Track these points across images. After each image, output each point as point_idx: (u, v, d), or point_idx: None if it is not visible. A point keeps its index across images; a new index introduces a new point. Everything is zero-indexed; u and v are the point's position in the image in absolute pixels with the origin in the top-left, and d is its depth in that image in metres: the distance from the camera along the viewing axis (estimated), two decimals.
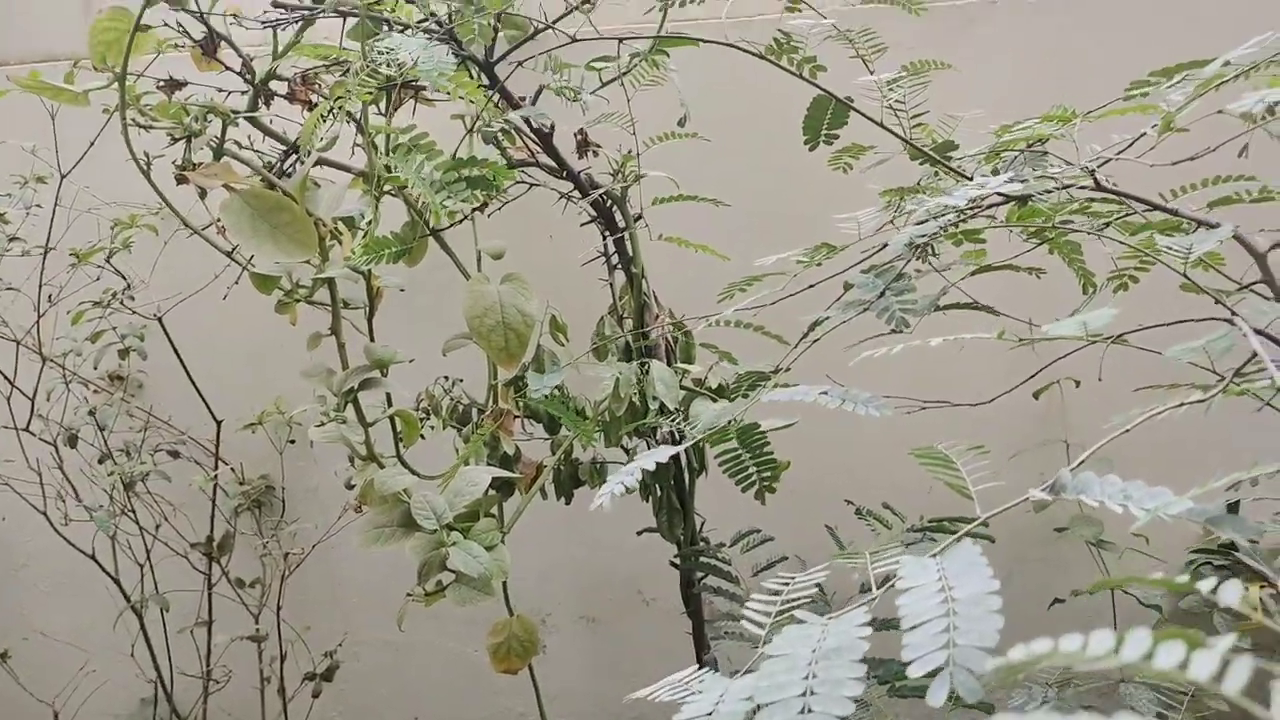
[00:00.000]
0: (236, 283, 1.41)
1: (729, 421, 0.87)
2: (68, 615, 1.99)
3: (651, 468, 0.75)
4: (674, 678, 0.56)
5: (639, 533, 1.67)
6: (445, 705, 2.00)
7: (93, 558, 1.82)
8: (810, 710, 0.39)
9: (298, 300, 1.33)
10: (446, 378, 1.71)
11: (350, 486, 1.67)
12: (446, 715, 1.99)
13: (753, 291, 1.02)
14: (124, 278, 1.72)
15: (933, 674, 0.38)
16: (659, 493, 1.60)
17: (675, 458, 1.58)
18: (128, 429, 1.88)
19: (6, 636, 1.94)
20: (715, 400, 1.36)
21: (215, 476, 1.81)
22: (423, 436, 1.59)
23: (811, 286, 1.02)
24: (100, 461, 1.80)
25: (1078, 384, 1.69)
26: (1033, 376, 1.15)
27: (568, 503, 1.66)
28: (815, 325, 0.91)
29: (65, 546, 1.84)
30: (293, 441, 1.91)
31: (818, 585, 0.57)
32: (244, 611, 1.88)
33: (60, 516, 1.78)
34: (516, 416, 1.65)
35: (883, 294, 0.88)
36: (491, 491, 1.49)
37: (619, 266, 1.63)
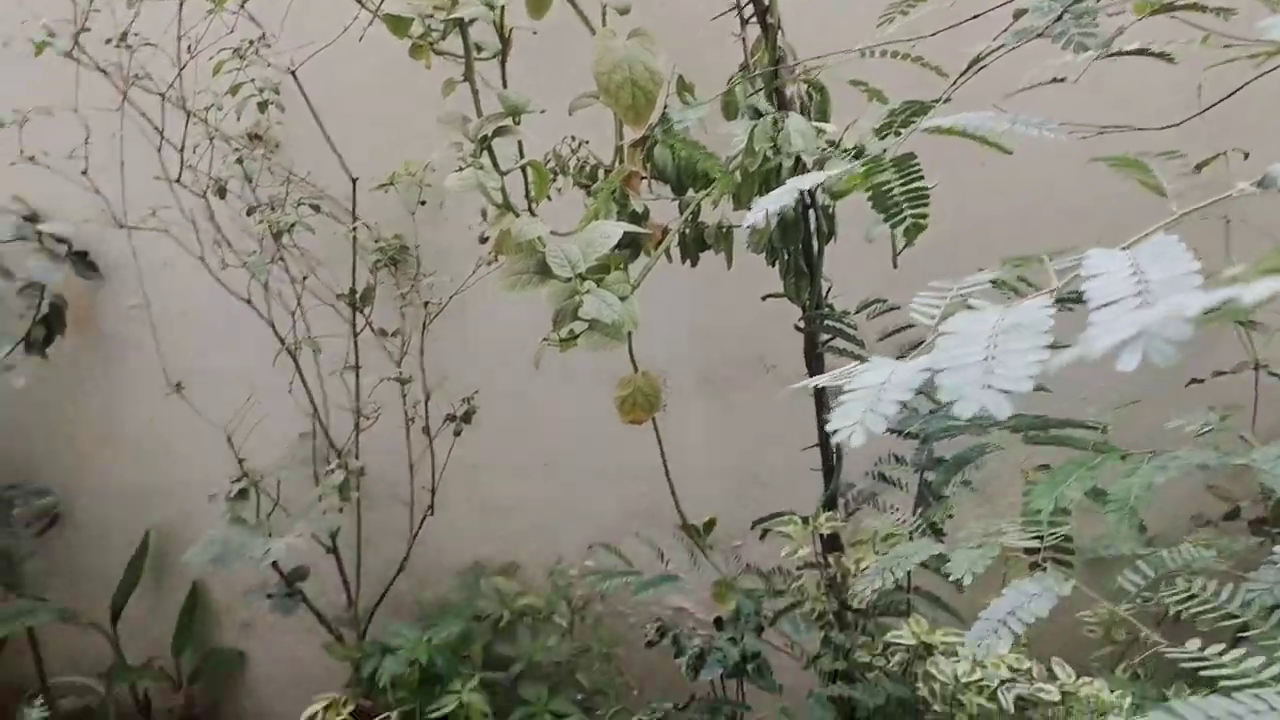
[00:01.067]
0: (370, 25, 1.40)
1: (882, 152, 0.84)
2: (231, 356, 2.17)
3: (798, 192, 0.73)
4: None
5: (764, 298, 1.67)
6: (572, 453, 2.13)
7: (248, 302, 1.96)
8: (992, 374, 0.39)
9: (430, 44, 1.31)
10: (573, 138, 1.70)
11: (483, 240, 1.72)
12: (574, 460, 2.13)
13: (914, 13, 0.95)
14: (259, 25, 1.73)
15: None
16: (786, 256, 1.59)
17: (805, 220, 1.56)
18: (270, 185, 1.95)
19: (178, 373, 2.13)
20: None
21: (354, 231, 1.89)
22: (548, 198, 1.61)
23: (976, 17, 0.94)
24: (248, 214, 1.89)
25: None
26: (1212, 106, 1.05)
27: (693, 265, 1.67)
28: (982, 56, 0.85)
29: (224, 294, 1.98)
30: (423, 203, 1.96)
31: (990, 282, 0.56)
32: (387, 359, 2.01)
33: (218, 263, 1.91)
34: (643, 177, 1.64)
35: (1060, 17, 0.81)
36: (619, 251, 1.51)
37: (753, 19, 1.54)
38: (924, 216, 0.85)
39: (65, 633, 2.64)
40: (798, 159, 1.37)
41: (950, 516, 1.34)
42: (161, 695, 2.60)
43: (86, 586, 2.60)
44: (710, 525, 1.90)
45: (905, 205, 0.82)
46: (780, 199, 0.75)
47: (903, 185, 0.81)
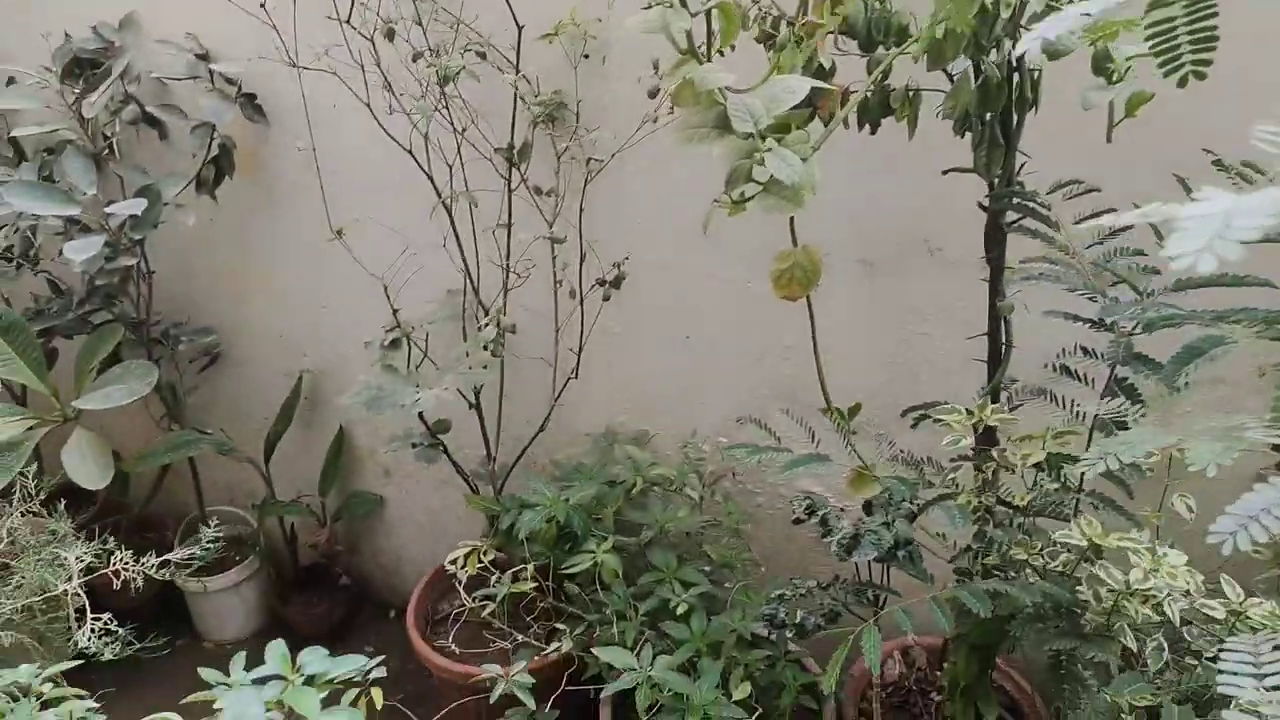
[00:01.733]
0: None
1: None
2: (388, 207, 2.20)
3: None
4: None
5: (945, 171, 1.56)
6: (715, 328, 2.09)
7: (409, 152, 1.96)
8: None
9: None
10: None
11: (653, 95, 1.65)
12: (717, 336, 2.10)
13: None
14: None
15: None
16: (980, 126, 1.47)
17: (1008, 85, 1.43)
18: (436, 31, 1.92)
19: (338, 220, 2.17)
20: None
21: (516, 83, 1.84)
22: (720, 53, 1.51)
23: None
24: (414, 59, 1.87)
25: None
26: None
27: (872, 132, 1.57)
28: None
29: (385, 144, 1.98)
30: (586, 56, 1.89)
31: None
32: (539, 218, 1.99)
33: (382, 109, 1.90)
34: (829, 32, 1.52)
35: None
36: (800, 110, 1.42)
37: None
38: (1206, 64, 0.74)
39: (221, 465, 2.83)
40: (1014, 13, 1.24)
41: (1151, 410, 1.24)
42: (306, 530, 2.76)
43: (242, 424, 2.76)
44: (855, 410, 1.83)
45: (1187, 49, 0.71)
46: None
47: (1189, 24, 0.70)
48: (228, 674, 1.17)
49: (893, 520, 1.34)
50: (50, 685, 1.09)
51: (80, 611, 1.38)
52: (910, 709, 2.05)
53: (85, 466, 2.21)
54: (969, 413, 1.40)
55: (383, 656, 1.36)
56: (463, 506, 2.62)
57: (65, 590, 1.34)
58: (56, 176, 2.30)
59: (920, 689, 2.09)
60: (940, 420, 1.48)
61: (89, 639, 1.35)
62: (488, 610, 1.84)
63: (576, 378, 2.08)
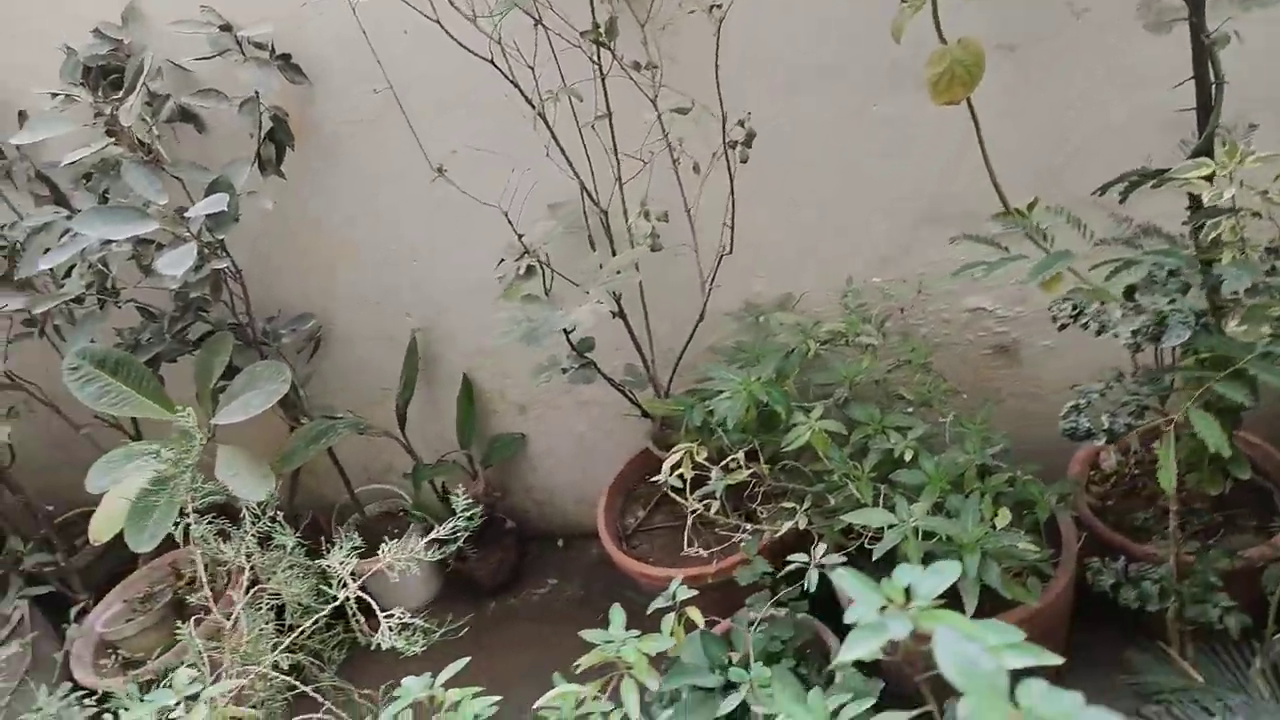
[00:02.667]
0: None
1: None
2: (481, 129, 2.04)
3: None
4: None
5: None
6: (839, 170, 1.96)
7: (490, 61, 1.79)
8: None
9: None
10: None
11: None
12: (844, 177, 1.96)
13: None
14: None
15: None
16: None
17: None
18: None
19: (438, 158, 2.01)
20: None
21: None
22: None
23: None
24: None
25: None
26: None
27: None
28: None
29: (454, 63, 1.81)
30: None
31: None
32: (640, 97, 1.84)
33: (447, 21, 1.73)
34: None
35: None
36: None
37: None
38: None
39: (348, 447, 2.75)
40: None
41: None
42: (459, 486, 2.71)
43: (362, 400, 2.68)
44: (1033, 206, 1.70)
45: None
46: None
47: None
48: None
49: (1173, 295, 1.24)
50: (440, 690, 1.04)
51: (366, 612, 1.32)
52: (1141, 493, 2.00)
53: (244, 480, 2.13)
54: (1223, 159, 1.27)
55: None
56: (610, 423, 2.56)
57: (346, 597, 1.27)
58: (114, 195, 2.16)
59: (1144, 471, 2.03)
60: (1176, 180, 1.35)
61: (388, 636, 1.29)
62: (714, 509, 1.77)
63: (731, 252, 1.96)
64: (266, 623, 1.39)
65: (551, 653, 2.62)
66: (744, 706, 1.75)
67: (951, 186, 1.93)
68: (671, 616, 1.25)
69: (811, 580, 1.52)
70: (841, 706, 1.02)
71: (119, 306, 2.36)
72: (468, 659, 1.08)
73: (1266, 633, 1.63)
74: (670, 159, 1.91)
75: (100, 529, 2.14)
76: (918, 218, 2.01)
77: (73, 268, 2.23)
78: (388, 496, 2.83)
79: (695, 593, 1.31)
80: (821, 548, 1.55)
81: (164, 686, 1.28)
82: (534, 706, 1.10)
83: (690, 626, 1.30)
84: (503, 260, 2.02)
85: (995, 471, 1.75)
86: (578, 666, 1.18)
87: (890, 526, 1.58)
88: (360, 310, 2.54)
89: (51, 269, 2.15)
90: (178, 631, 1.44)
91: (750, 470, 1.80)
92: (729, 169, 1.88)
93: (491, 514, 2.71)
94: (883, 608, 0.72)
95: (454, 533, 1.41)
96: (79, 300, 2.25)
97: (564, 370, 2.11)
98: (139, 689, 1.86)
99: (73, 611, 2.57)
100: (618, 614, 1.19)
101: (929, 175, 1.93)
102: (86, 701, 1.77)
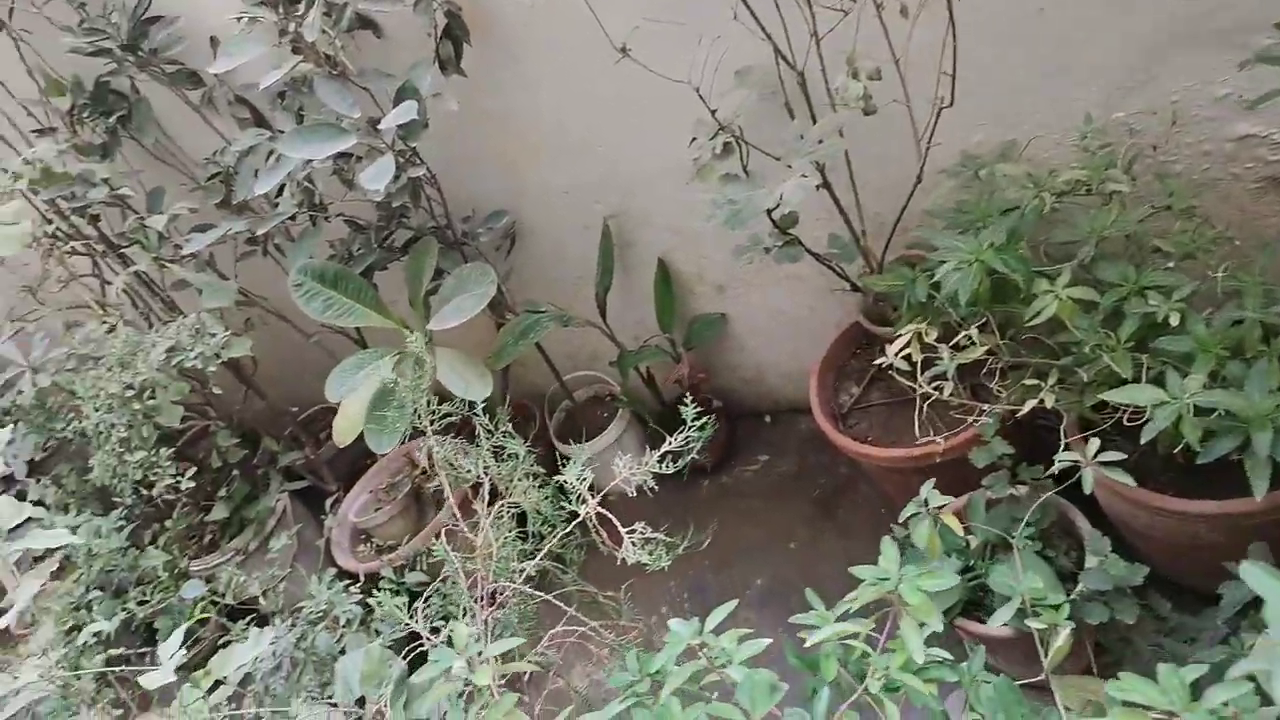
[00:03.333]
0: None
1: None
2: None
3: None
4: None
5: None
6: None
7: None
8: None
9: None
10: None
11: None
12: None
13: None
14: None
15: None
16: None
17: None
18: None
19: (618, 37, 1.89)
20: None
21: None
22: None
23: None
24: None
25: None
26: None
27: None
28: None
29: None
30: None
31: None
32: None
33: None
34: None
35: None
36: None
37: None
38: None
39: (550, 339, 2.79)
40: None
41: None
42: (663, 370, 2.70)
43: (561, 292, 2.68)
44: None
45: None
46: None
47: None
48: None
49: None
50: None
51: (602, 519, 1.34)
52: None
53: (466, 381, 2.21)
54: None
55: None
56: (813, 299, 2.44)
57: (587, 512, 1.29)
58: (309, 111, 2.19)
59: None
60: None
61: (632, 552, 1.30)
62: (948, 391, 1.66)
63: (951, 104, 1.75)
64: (510, 530, 1.44)
65: (768, 528, 2.67)
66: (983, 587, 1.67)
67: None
68: (926, 524, 1.17)
69: (1087, 482, 1.38)
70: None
71: (329, 221, 2.44)
72: (734, 603, 1.05)
73: None
74: (873, 4, 1.69)
75: (343, 432, 2.29)
76: (1168, 36, 1.71)
77: (283, 187, 2.30)
78: (594, 382, 2.87)
79: (949, 500, 1.23)
80: (1095, 443, 1.41)
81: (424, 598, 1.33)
82: (790, 620, 1.06)
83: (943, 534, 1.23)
84: (694, 139, 1.90)
85: None
86: (849, 604, 1.11)
87: (1159, 404, 1.41)
88: (551, 202, 2.51)
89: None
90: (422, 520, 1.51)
91: (985, 347, 1.65)
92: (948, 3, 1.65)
93: (697, 394, 2.69)
94: None
95: (686, 444, 1.38)
96: (293, 218, 2.34)
97: (767, 250, 2.00)
98: (395, 573, 2.02)
99: (328, 503, 2.81)
100: (890, 548, 1.12)
101: None
102: (351, 589, 1.93)
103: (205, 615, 2.34)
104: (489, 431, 1.47)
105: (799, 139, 1.79)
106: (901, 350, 1.65)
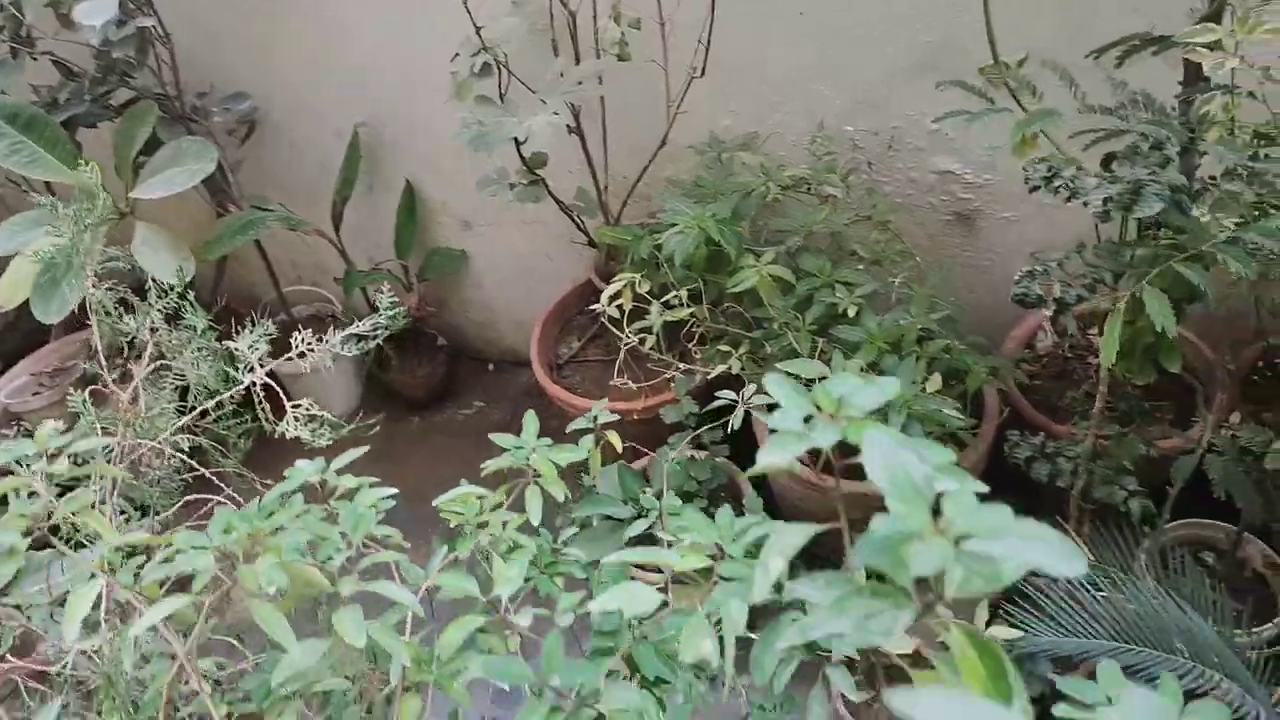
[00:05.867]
0: None
1: None
2: None
3: None
4: None
5: None
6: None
7: None
8: None
9: None
10: None
11: None
12: (834, 10, 1.84)
13: None
14: None
15: None
16: None
17: None
18: None
19: None
20: None
21: None
22: None
23: None
24: None
25: None
26: None
27: None
28: None
29: None
30: None
31: None
32: None
33: None
34: None
35: None
36: None
37: None
38: None
39: (281, 243, 2.64)
40: None
41: None
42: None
43: (298, 195, 2.54)
44: (1021, 63, 1.61)
45: None
46: None
47: None
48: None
49: (1153, 169, 1.19)
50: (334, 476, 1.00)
51: (276, 405, 1.27)
52: (1070, 376, 2.02)
53: (160, 259, 2.03)
54: (1234, 25, 1.19)
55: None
56: (555, 249, 2.47)
57: (253, 383, 1.21)
58: None
59: (1076, 356, 2.05)
60: (1183, 44, 1.27)
61: (296, 427, 1.24)
62: (649, 344, 1.74)
63: (702, 75, 1.83)
64: (169, 402, 1.33)
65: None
66: (651, 536, 1.77)
67: (955, 33, 1.82)
68: (590, 437, 1.22)
69: (737, 418, 1.51)
70: (746, 529, 1.02)
71: (34, 59, 2.15)
72: (366, 448, 1.04)
73: (1160, 521, 1.69)
74: None
75: (6, 294, 2.03)
76: (912, 65, 1.90)
77: None
78: (316, 299, 2.74)
79: (617, 418, 1.29)
80: (751, 388, 1.54)
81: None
82: (433, 503, 1.07)
83: (609, 453, 1.28)
84: (457, 55, 1.87)
85: (934, 338, 1.74)
86: (484, 469, 1.15)
87: (822, 379, 1.56)
88: (302, 96, 2.37)
89: None
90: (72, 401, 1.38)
91: (690, 310, 1.75)
92: None
93: (422, 328, 2.64)
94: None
95: (374, 329, 1.34)
96: None
97: (511, 186, 2.01)
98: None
99: None
100: (531, 421, 1.16)
101: (935, 15, 1.81)
102: None
103: None
104: (162, 293, 1.35)
105: (559, 76, 1.81)
106: (615, 299, 1.72)
